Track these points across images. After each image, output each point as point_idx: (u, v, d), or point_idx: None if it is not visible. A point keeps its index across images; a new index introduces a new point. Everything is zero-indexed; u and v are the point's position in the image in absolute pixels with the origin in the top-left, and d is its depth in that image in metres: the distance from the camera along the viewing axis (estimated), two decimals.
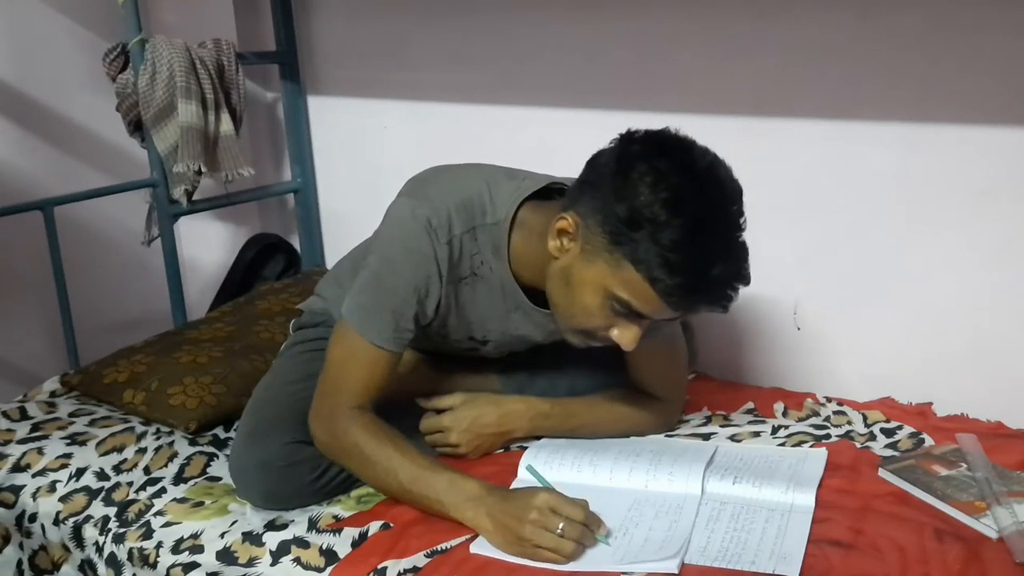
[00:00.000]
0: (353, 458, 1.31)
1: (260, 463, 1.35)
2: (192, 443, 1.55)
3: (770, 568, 1.13)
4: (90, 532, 1.38)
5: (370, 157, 2.26)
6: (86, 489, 1.44)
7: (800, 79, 1.63)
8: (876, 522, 1.23)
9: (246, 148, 2.13)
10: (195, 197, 2.05)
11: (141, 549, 1.30)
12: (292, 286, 2.06)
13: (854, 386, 1.66)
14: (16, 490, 1.47)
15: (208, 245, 2.47)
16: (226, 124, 2.03)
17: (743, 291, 1.16)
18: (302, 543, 1.25)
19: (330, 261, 2.32)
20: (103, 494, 1.43)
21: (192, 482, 1.45)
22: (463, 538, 1.22)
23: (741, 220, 1.16)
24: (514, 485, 1.34)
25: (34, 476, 1.48)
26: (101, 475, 1.47)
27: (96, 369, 1.76)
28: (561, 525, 1.15)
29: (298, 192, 2.36)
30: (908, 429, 1.52)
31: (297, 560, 1.22)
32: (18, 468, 1.50)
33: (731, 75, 1.69)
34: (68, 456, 1.51)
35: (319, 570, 1.20)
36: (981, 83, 1.48)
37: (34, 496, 1.45)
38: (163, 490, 1.42)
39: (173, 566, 1.26)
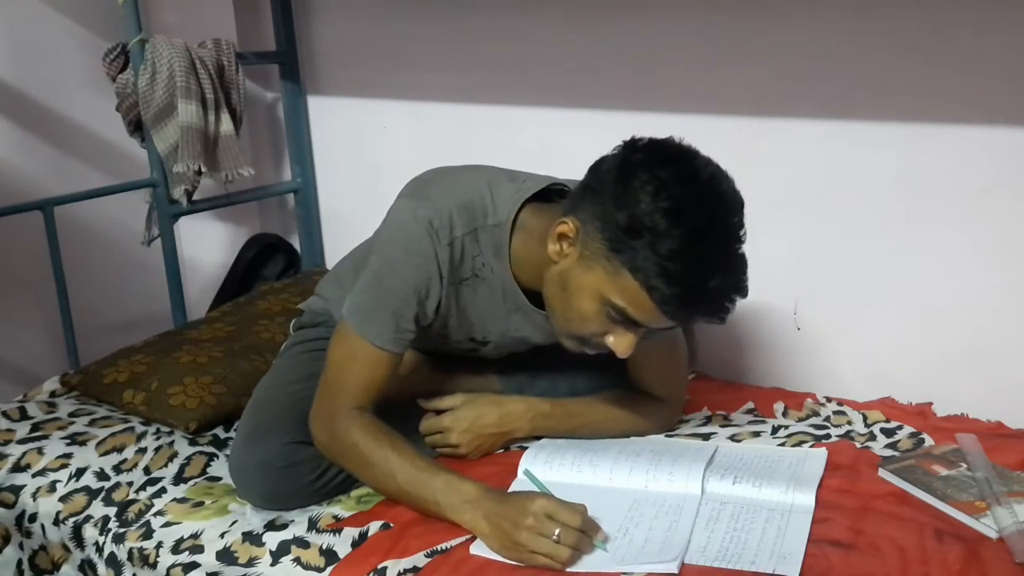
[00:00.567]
0: (352, 459, 1.31)
1: (260, 463, 1.35)
2: (192, 443, 1.55)
3: (770, 568, 1.13)
4: (90, 532, 1.38)
5: (370, 157, 2.26)
6: (86, 489, 1.44)
7: (800, 79, 1.63)
8: (876, 522, 1.23)
9: (246, 148, 2.13)
10: (195, 197, 2.05)
11: (141, 549, 1.31)
12: (292, 286, 2.06)
13: (854, 386, 1.66)
14: (16, 490, 1.47)
15: (208, 245, 2.47)
16: (226, 124, 2.03)
17: (727, 318, 1.16)
18: (302, 543, 1.25)
19: (330, 261, 2.32)
20: (103, 494, 1.43)
21: (192, 482, 1.45)
22: (463, 538, 1.22)
23: (741, 232, 1.16)
24: (513, 486, 1.34)
25: (34, 476, 1.48)
26: (101, 475, 1.47)
27: (96, 369, 1.76)
28: (557, 531, 1.14)
29: (298, 192, 2.36)
30: (908, 429, 1.52)
31: (297, 560, 1.22)
32: (18, 468, 1.50)
33: (731, 75, 1.69)
34: (68, 456, 1.51)
35: (319, 570, 1.20)
36: (981, 83, 1.48)
37: (34, 496, 1.45)
38: (163, 490, 1.42)
39: (173, 566, 1.26)
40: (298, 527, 1.29)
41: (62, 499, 1.43)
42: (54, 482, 1.46)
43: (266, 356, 1.74)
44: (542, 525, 1.15)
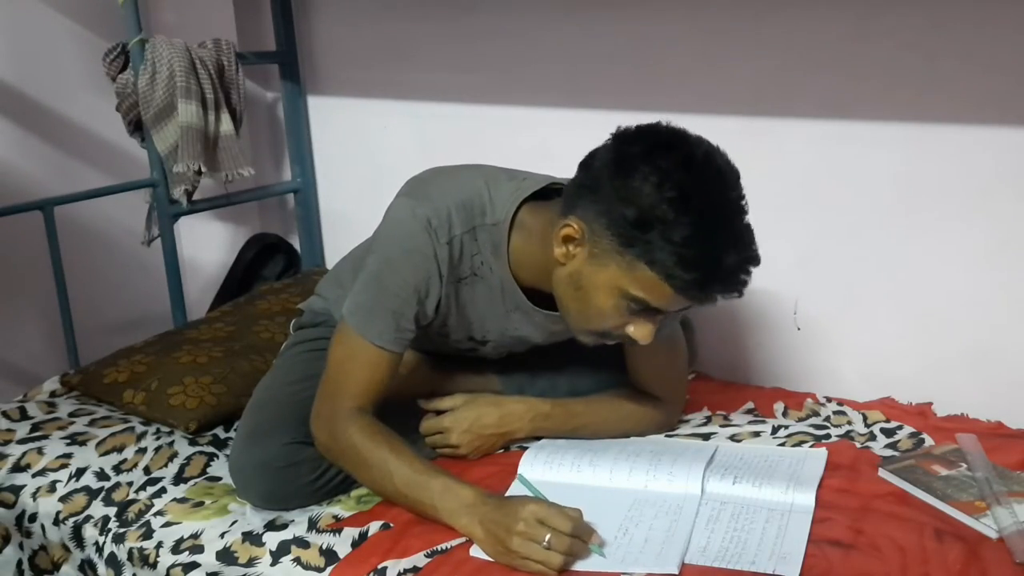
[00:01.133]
0: (351, 460, 1.31)
1: (259, 463, 1.35)
2: (192, 443, 1.55)
3: (770, 568, 1.13)
4: (90, 532, 1.38)
5: (370, 157, 2.26)
6: (86, 489, 1.44)
7: (800, 79, 1.63)
8: (876, 522, 1.23)
9: (246, 148, 2.13)
10: (195, 197, 2.04)
11: (141, 549, 1.31)
12: (292, 286, 2.06)
13: (854, 386, 1.66)
14: (16, 490, 1.47)
15: (208, 245, 2.47)
16: (226, 124, 2.03)
17: (745, 290, 1.17)
18: (302, 543, 1.25)
19: (330, 261, 2.32)
20: (103, 494, 1.43)
21: (192, 482, 1.45)
22: (463, 539, 1.22)
23: (743, 203, 1.18)
24: (511, 489, 1.34)
25: (34, 476, 1.48)
26: (101, 475, 1.47)
27: (96, 369, 1.76)
28: (548, 537, 1.13)
29: (298, 192, 2.36)
30: (908, 429, 1.52)
31: (297, 560, 1.22)
32: (18, 468, 1.50)
33: (731, 75, 1.69)
34: (68, 456, 1.51)
35: (319, 570, 1.20)
36: (981, 82, 1.48)
37: (34, 496, 1.45)
38: (163, 490, 1.42)
39: (173, 566, 1.26)
40: (298, 527, 1.29)
41: (62, 499, 1.43)
42: (54, 482, 1.46)
43: (266, 356, 1.74)
44: (533, 531, 1.14)
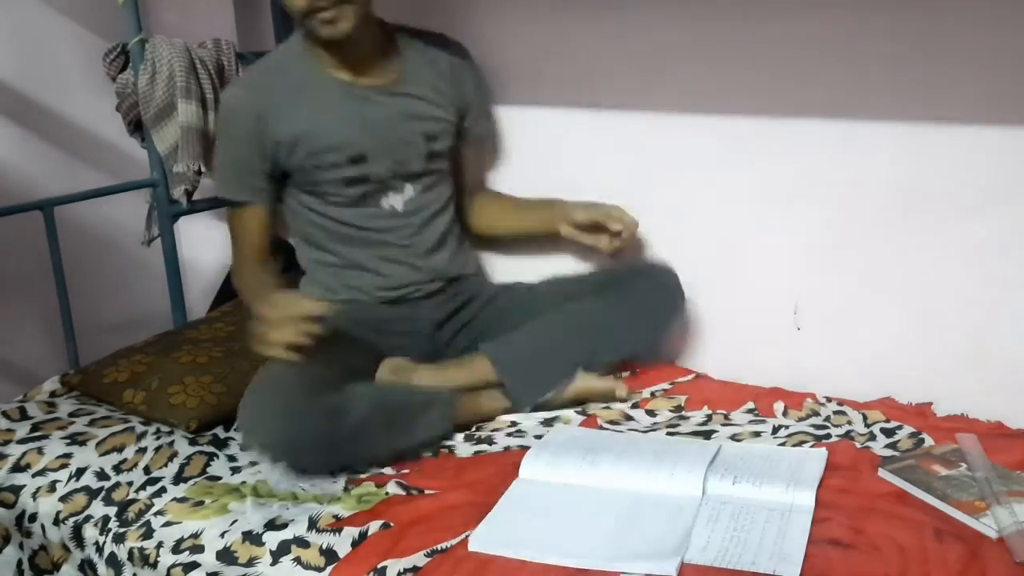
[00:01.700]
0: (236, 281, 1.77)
1: (274, 411, 1.40)
2: (192, 443, 1.55)
3: (770, 568, 1.13)
4: (90, 532, 1.38)
5: None
6: (86, 489, 1.44)
7: (800, 79, 1.63)
8: (876, 522, 1.23)
9: None
10: (195, 197, 2.04)
11: (141, 549, 1.31)
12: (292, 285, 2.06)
13: (854, 386, 1.66)
14: (16, 490, 1.47)
15: (208, 245, 2.46)
16: None
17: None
18: (302, 543, 1.25)
19: None
20: (103, 494, 1.43)
21: (192, 482, 1.45)
22: (462, 536, 1.23)
23: None
24: (514, 486, 1.35)
25: (34, 476, 1.48)
26: (101, 475, 1.47)
27: (96, 369, 1.77)
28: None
29: None
30: (908, 429, 1.52)
31: (297, 560, 1.22)
32: (18, 468, 1.50)
33: (730, 75, 1.69)
34: (68, 456, 1.51)
35: (319, 569, 1.20)
36: (981, 83, 1.48)
37: (34, 496, 1.45)
38: (163, 490, 1.42)
39: (173, 566, 1.27)
40: (298, 527, 1.29)
41: (62, 499, 1.43)
42: (54, 482, 1.46)
43: (266, 356, 1.74)
44: (270, 313, 1.45)
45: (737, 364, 1.79)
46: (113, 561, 1.34)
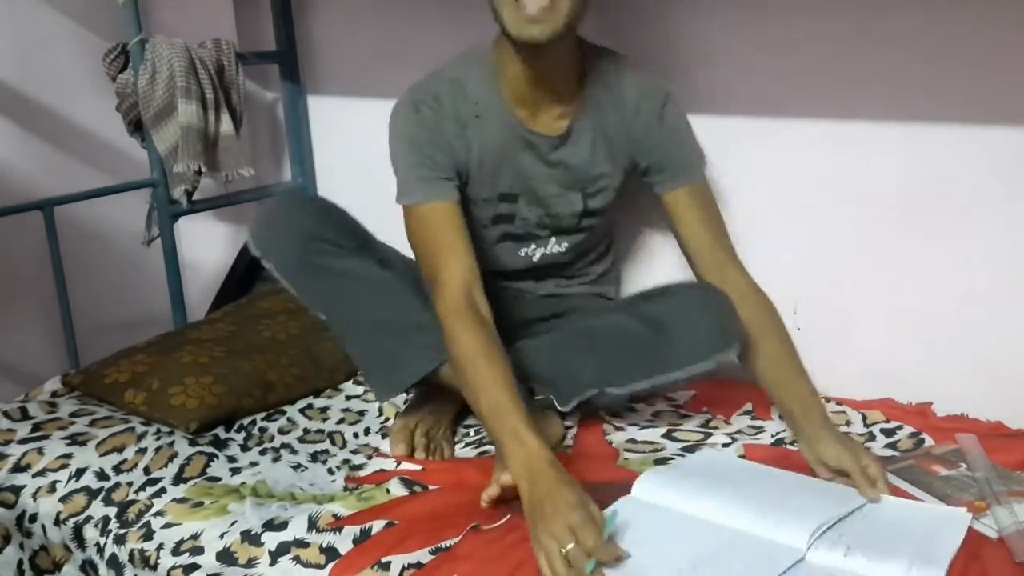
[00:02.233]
0: (458, 365, 1.37)
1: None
2: (192, 443, 1.55)
3: None
4: (91, 533, 1.38)
5: (370, 157, 2.24)
6: (86, 489, 1.44)
7: (799, 79, 1.63)
8: None
9: (246, 148, 2.13)
10: (195, 197, 2.05)
11: (142, 551, 1.31)
12: None
13: (854, 386, 1.66)
14: (16, 490, 1.47)
15: (208, 245, 2.46)
16: (226, 124, 2.03)
17: None
18: (301, 543, 1.25)
19: None
20: (103, 494, 1.43)
21: (192, 482, 1.45)
22: (464, 532, 1.23)
23: None
24: (621, 501, 1.25)
25: (34, 476, 1.48)
26: (101, 475, 1.47)
27: (97, 369, 1.77)
28: (571, 546, 1.10)
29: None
30: (908, 429, 1.52)
31: (297, 559, 1.22)
32: (18, 468, 1.50)
33: (730, 75, 1.69)
34: (68, 456, 1.51)
35: (320, 567, 1.20)
36: (981, 83, 1.48)
37: (34, 496, 1.45)
38: (163, 490, 1.42)
39: (174, 568, 1.26)
40: (298, 527, 1.28)
41: (62, 499, 1.43)
42: (54, 482, 1.46)
43: (267, 356, 1.74)
44: (561, 533, 1.11)
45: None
46: (114, 563, 1.34)
